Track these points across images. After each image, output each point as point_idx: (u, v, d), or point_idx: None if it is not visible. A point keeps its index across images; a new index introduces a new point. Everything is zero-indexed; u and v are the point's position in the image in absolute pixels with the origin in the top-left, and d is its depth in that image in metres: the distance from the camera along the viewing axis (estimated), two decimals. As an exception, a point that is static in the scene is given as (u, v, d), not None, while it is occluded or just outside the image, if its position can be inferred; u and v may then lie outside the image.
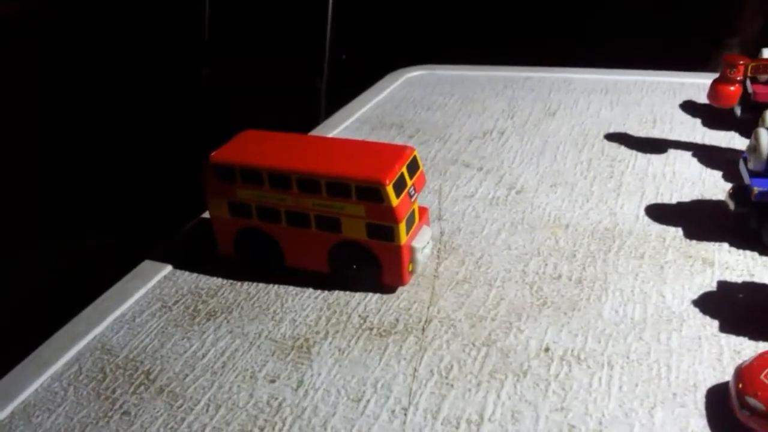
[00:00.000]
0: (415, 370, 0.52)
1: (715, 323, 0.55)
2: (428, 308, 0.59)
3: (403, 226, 0.57)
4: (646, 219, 0.70)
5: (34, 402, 0.52)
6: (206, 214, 0.69)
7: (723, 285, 0.59)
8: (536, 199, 0.74)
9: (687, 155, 0.82)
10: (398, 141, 0.90)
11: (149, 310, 0.61)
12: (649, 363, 0.51)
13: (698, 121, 0.90)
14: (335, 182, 0.57)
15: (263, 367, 0.54)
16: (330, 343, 0.56)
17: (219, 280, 0.64)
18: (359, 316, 0.59)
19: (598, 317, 0.56)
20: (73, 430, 0.49)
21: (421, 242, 0.60)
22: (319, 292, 0.62)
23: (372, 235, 0.58)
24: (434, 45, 1.56)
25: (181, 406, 0.51)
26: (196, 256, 0.68)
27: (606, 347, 0.53)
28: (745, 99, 0.83)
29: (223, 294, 0.63)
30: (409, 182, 0.59)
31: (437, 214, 0.73)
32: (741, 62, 0.79)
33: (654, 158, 0.81)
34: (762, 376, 0.45)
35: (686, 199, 0.73)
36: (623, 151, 0.84)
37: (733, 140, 0.84)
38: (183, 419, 0.49)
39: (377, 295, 0.61)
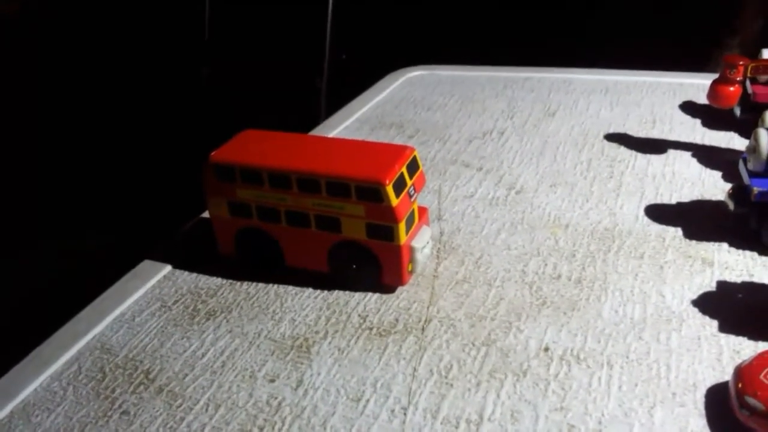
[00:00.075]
0: (415, 369, 0.52)
1: (715, 323, 0.55)
2: (428, 308, 0.59)
3: (402, 226, 0.57)
4: (646, 219, 0.70)
5: (34, 401, 0.52)
6: (206, 214, 0.69)
7: (722, 285, 0.59)
8: (536, 199, 0.74)
9: (687, 155, 0.82)
10: (398, 141, 0.90)
11: (149, 310, 0.61)
12: (648, 363, 0.51)
13: (698, 121, 0.90)
14: (335, 182, 0.57)
15: (263, 366, 0.54)
16: (329, 342, 0.56)
17: (218, 280, 0.64)
18: (359, 315, 0.59)
19: (597, 317, 0.56)
20: (73, 430, 0.49)
21: (420, 242, 0.60)
22: (318, 291, 0.62)
23: (372, 235, 0.58)
24: (434, 45, 1.56)
25: (181, 405, 0.51)
26: (195, 255, 0.68)
27: (605, 347, 0.53)
28: (745, 99, 0.83)
29: (222, 294, 0.63)
30: (409, 182, 0.59)
31: (437, 214, 0.73)
32: (741, 63, 0.79)
33: (654, 158, 0.81)
34: (761, 376, 0.45)
35: (686, 199, 0.73)
36: (623, 152, 0.84)
37: (732, 141, 0.84)
38: (182, 419, 0.50)
39: (377, 295, 0.61)
